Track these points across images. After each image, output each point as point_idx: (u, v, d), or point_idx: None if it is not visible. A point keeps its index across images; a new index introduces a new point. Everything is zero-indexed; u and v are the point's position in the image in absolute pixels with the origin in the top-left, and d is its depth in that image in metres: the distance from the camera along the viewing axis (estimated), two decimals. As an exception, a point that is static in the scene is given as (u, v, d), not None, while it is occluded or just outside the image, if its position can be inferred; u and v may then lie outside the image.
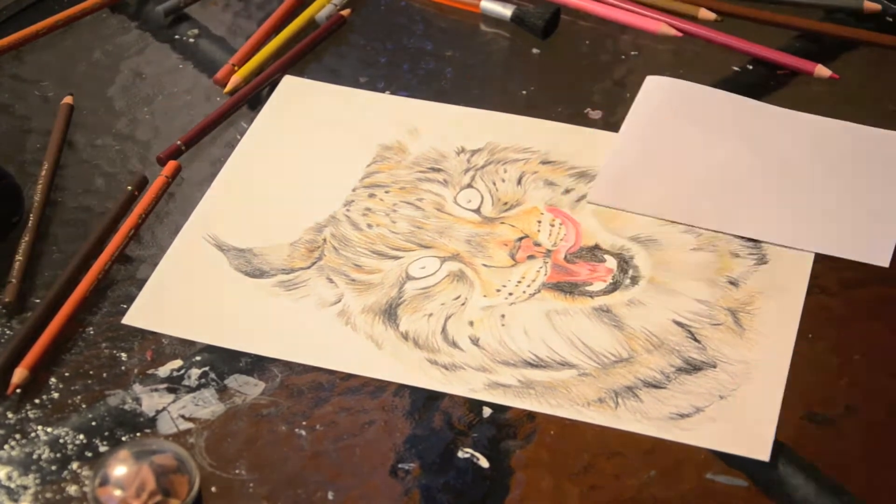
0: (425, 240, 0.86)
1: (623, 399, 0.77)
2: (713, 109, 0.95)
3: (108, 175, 0.93)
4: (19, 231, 0.87)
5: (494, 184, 0.90)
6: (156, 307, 0.82)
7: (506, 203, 0.89)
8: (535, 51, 1.03)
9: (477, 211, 0.88)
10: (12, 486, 0.74)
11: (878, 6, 1.03)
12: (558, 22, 1.04)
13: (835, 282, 0.84)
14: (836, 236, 0.86)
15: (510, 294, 0.83)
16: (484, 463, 0.75)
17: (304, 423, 0.77)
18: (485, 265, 0.84)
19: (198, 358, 0.80)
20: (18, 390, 0.78)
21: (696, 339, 0.80)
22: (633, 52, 1.03)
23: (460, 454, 0.75)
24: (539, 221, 0.87)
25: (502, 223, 0.87)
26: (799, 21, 1.03)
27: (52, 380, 0.79)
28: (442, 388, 0.78)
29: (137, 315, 0.82)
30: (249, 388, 0.79)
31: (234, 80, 0.99)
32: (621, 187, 0.90)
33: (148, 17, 1.06)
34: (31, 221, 0.87)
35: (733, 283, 0.83)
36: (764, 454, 0.74)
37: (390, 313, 0.82)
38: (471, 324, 0.81)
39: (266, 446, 0.76)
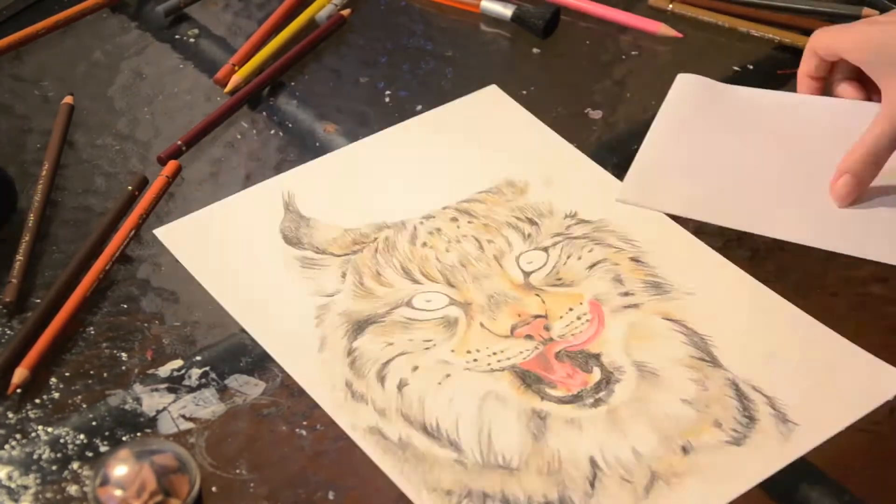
0: (457, 279, 0.83)
1: None
2: (743, 108, 0.94)
3: (109, 175, 0.93)
4: (19, 230, 0.86)
5: (569, 257, 0.85)
6: (190, 234, 0.86)
7: (560, 279, 0.84)
8: (535, 50, 1.03)
9: (527, 274, 0.84)
10: (13, 485, 0.73)
11: (876, 13, 1.03)
12: (558, 22, 1.04)
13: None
14: (872, 237, 0.85)
15: (475, 360, 0.79)
16: (484, 463, 0.75)
17: (304, 423, 0.77)
18: (482, 325, 0.81)
19: (198, 358, 0.80)
20: (19, 390, 0.78)
21: (591, 485, 0.73)
22: (633, 52, 1.03)
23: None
24: (571, 309, 0.82)
25: (536, 295, 0.82)
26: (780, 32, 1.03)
27: (53, 379, 0.79)
28: (331, 410, 0.76)
29: (170, 232, 0.86)
30: (250, 388, 0.79)
31: (235, 79, 0.99)
32: (651, 186, 0.89)
33: (148, 17, 1.06)
34: (31, 221, 0.87)
35: (685, 448, 0.75)
36: None
37: (361, 327, 0.81)
38: (414, 368, 0.79)
39: (266, 446, 0.76)
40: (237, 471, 0.74)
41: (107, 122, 0.97)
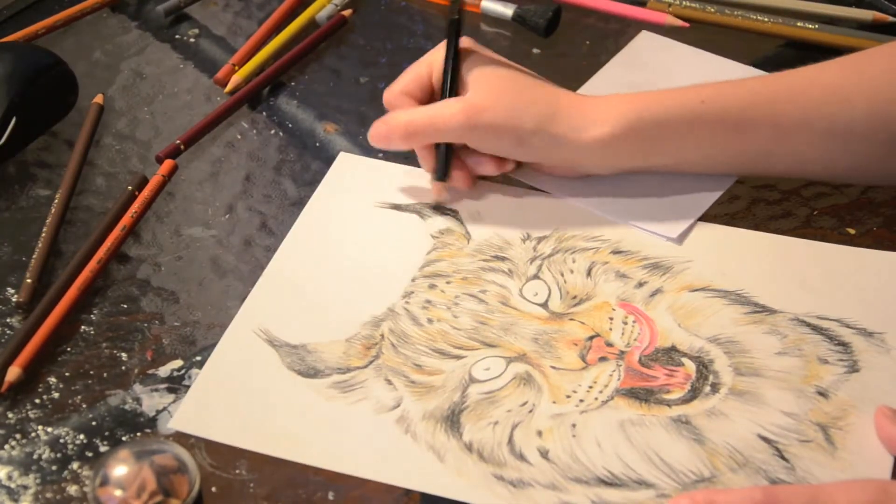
0: (490, 337, 0.80)
1: None
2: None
3: (109, 175, 0.93)
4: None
5: (562, 275, 0.84)
6: (202, 410, 0.76)
7: (575, 297, 0.82)
8: (535, 51, 1.03)
9: (544, 305, 0.82)
10: (13, 485, 0.73)
11: (886, 17, 1.03)
12: (559, 21, 1.04)
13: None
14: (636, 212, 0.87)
15: (581, 401, 0.76)
16: (484, 463, 0.75)
17: (304, 423, 0.77)
18: (553, 367, 0.78)
19: (198, 358, 0.80)
20: (12, 389, 0.78)
21: (783, 458, 0.73)
22: (633, 53, 1.03)
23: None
24: (611, 318, 0.81)
25: (571, 319, 0.81)
26: (787, 30, 1.03)
27: (53, 379, 0.79)
28: None
29: (183, 419, 0.76)
30: (250, 388, 0.78)
31: (235, 80, 0.99)
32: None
33: (148, 17, 1.06)
34: (50, 219, 0.87)
35: (822, 393, 0.76)
36: None
37: (453, 420, 0.76)
38: (539, 434, 0.75)
39: (266, 446, 0.76)
40: (237, 471, 0.74)
41: (107, 122, 0.97)
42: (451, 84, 0.87)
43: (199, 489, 0.71)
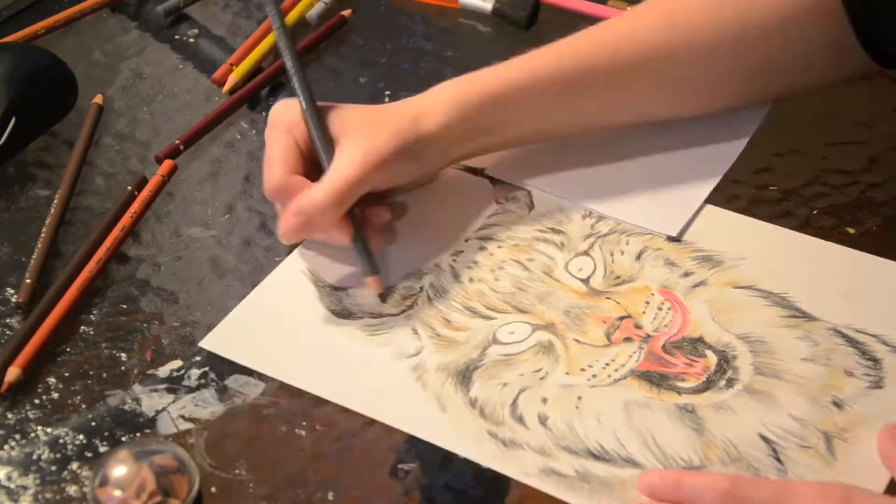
0: (523, 303, 0.82)
1: None
2: None
3: (108, 175, 0.93)
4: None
5: (612, 254, 0.85)
6: (236, 335, 0.80)
7: (618, 277, 0.83)
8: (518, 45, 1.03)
9: (585, 281, 0.83)
10: (12, 486, 0.73)
11: None
12: (538, 14, 1.04)
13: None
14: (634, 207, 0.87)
15: (594, 376, 0.78)
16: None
17: (304, 423, 0.77)
18: (577, 340, 0.79)
19: (198, 358, 0.80)
20: (11, 390, 0.78)
21: (778, 459, 0.73)
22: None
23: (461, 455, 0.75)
24: (647, 302, 0.82)
25: (608, 298, 0.82)
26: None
27: (52, 380, 0.79)
28: (495, 464, 0.74)
29: (214, 340, 0.80)
30: (249, 388, 0.78)
31: (232, 79, 0.99)
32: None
33: (148, 17, 1.07)
34: (49, 219, 0.87)
35: (837, 404, 0.76)
36: None
37: (465, 376, 0.78)
38: (544, 401, 0.77)
39: (266, 446, 0.76)
40: (237, 471, 0.74)
41: (106, 122, 0.97)
42: (327, 154, 0.83)
43: (199, 489, 0.71)
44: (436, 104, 0.85)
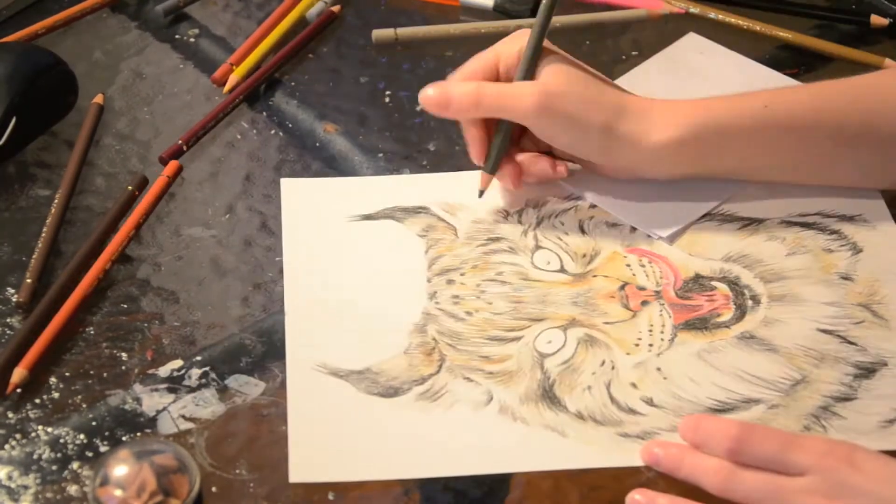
0: (532, 313, 0.81)
1: (826, 421, 0.75)
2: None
3: (109, 175, 0.93)
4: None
5: (560, 239, 0.86)
6: (314, 457, 0.74)
7: (584, 255, 0.85)
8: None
9: (562, 271, 0.84)
10: (13, 485, 0.74)
11: (885, 21, 1.03)
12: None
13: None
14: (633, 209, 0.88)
15: (651, 345, 0.79)
16: (484, 463, 0.75)
17: (304, 423, 0.77)
18: (606, 323, 0.81)
19: (198, 358, 0.80)
20: (18, 390, 0.78)
21: (850, 342, 0.79)
22: (633, 53, 1.03)
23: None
24: (628, 265, 0.84)
25: (594, 276, 0.83)
26: (781, 32, 1.03)
27: (53, 380, 0.79)
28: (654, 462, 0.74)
29: (302, 471, 0.73)
30: (250, 388, 0.79)
31: (233, 79, 0.99)
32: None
33: (148, 17, 1.06)
34: (50, 219, 0.87)
35: (846, 277, 0.83)
36: None
37: (550, 397, 0.77)
38: (634, 385, 0.78)
39: (266, 446, 0.76)
40: (237, 471, 0.74)
41: (106, 122, 0.97)
42: (530, 65, 0.84)
43: (199, 489, 0.71)
44: (672, 116, 0.84)
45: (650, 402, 0.77)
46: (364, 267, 0.85)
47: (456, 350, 0.80)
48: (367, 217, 0.89)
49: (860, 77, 0.88)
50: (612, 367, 0.78)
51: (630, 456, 0.74)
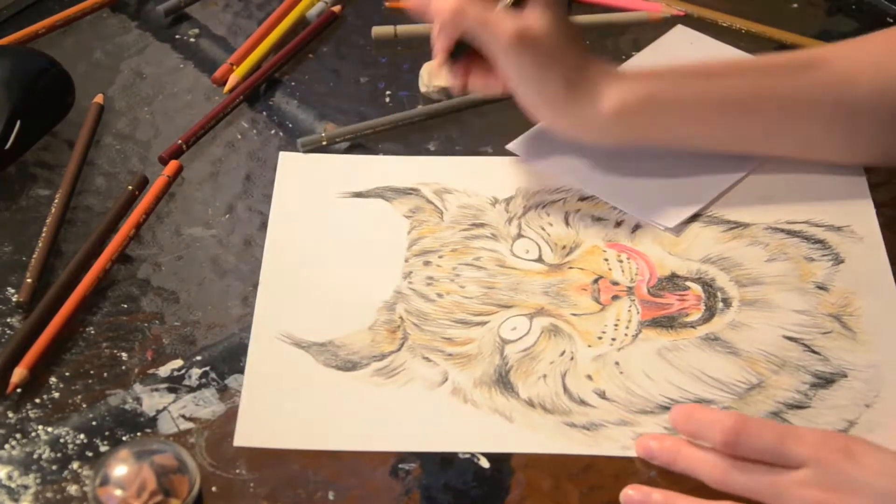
0: (502, 299, 0.82)
1: None
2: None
3: (109, 175, 0.93)
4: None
5: (543, 229, 0.86)
6: (260, 423, 0.76)
7: (564, 247, 0.85)
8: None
9: (540, 260, 0.85)
10: (13, 485, 0.74)
11: None
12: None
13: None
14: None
15: (613, 339, 0.80)
16: (484, 463, 0.75)
17: (304, 422, 0.77)
18: (574, 314, 0.81)
19: (198, 358, 0.80)
20: (18, 390, 0.78)
21: (814, 351, 0.79)
22: (633, 53, 1.03)
23: (461, 454, 0.75)
24: (606, 260, 0.84)
25: (570, 268, 0.84)
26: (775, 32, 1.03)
27: (53, 379, 0.79)
28: (589, 450, 0.74)
29: (245, 435, 0.75)
30: (250, 387, 0.79)
31: (233, 79, 0.99)
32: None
33: (148, 17, 1.06)
34: (50, 219, 0.87)
35: (822, 287, 0.82)
36: None
37: (504, 382, 0.78)
38: (589, 377, 0.78)
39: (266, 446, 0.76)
40: (237, 471, 0.74)
41: (107, 122, 0.97)
42: None
43: (199, 489, 0.71)
44: (620, 86, 0.85)
45: (602, 395, 0.77)
46: (344, 243, 0.87)
47: (420, 330, 0.81)
48: (358, 195, 0.90)
49: (805, 51, 0.89)
50: (572, 358, 0.79)
51: (573, 444, 0.75)
